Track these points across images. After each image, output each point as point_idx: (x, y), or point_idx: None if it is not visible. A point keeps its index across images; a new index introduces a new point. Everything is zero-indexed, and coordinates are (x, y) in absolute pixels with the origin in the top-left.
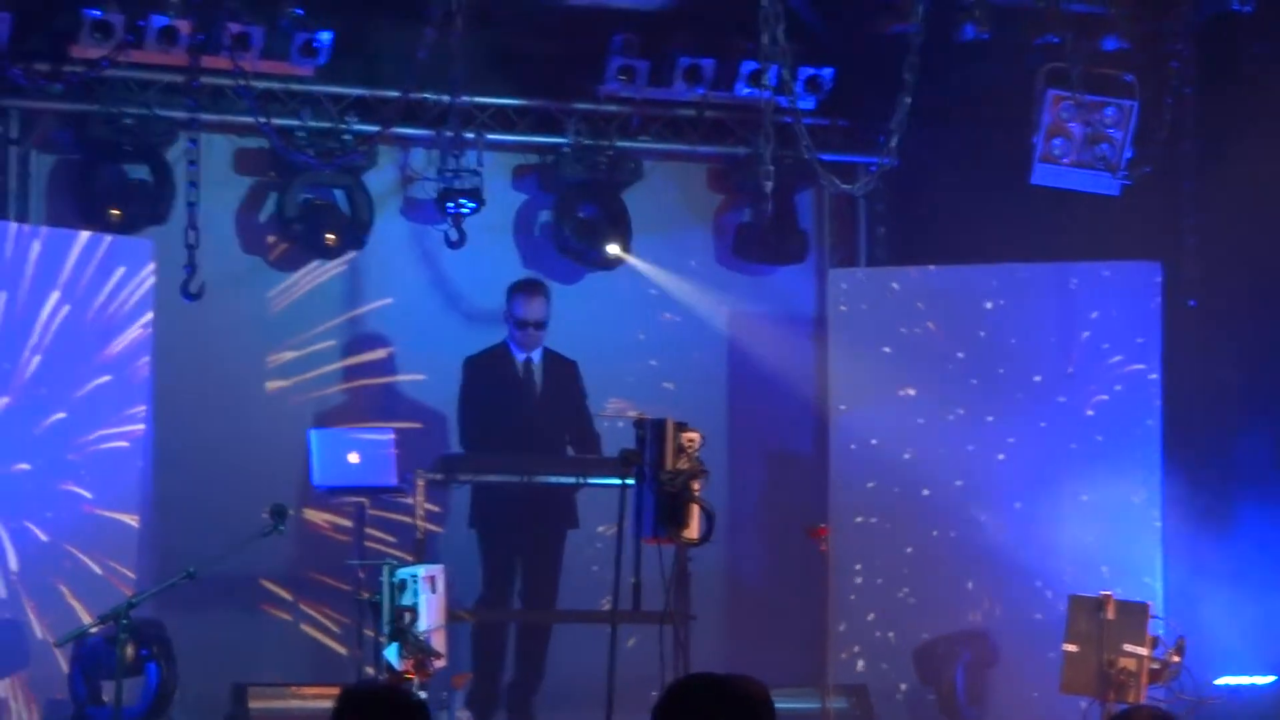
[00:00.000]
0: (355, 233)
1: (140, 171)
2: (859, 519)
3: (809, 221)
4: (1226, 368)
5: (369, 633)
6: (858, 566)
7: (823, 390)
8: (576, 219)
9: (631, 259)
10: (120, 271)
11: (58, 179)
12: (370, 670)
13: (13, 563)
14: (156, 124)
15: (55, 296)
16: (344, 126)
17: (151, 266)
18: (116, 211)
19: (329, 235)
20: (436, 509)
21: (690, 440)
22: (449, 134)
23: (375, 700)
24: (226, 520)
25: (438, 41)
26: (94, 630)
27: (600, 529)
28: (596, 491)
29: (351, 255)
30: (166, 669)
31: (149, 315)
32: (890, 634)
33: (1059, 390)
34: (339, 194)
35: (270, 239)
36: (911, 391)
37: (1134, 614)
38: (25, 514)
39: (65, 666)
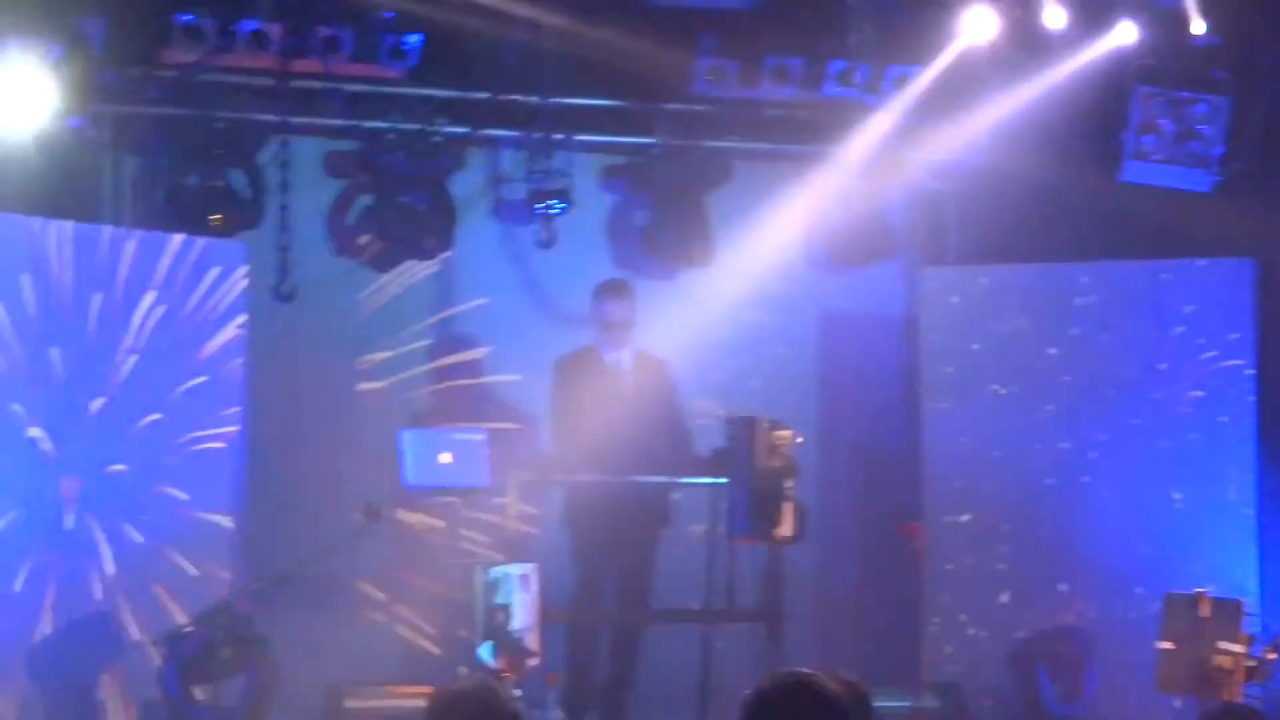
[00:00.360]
0: (441, 234)
1: (232, 175)
2: (951, 518)
3: (899, 220)
4: None
5: (463, 633)
6: (950, 565)
7: (913, 388)
8: (663, 219)
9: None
10: (214, 273)
11: (150, 183)
12: (464, 669)
13: (108, 564)
14: (248, 127)
15: (150, 298)
16: (433, 129)
17: (244, 269)
18: (217, 217)
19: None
20: (534, 510)
21: (782, 439)
22: (538, 135)
23: (467, 701)
24: (320, 521)
25: (526, 43)
26: (191, 629)
27: (693, 528)
28: (689, 491)
29: (444, 256)
30: (264, 669)
31: (242, 317)
32: (983, 633)
33: (1152, 387)
34: (424, 195)
35: (361, 240)
36: (1002, 389)
37: (1229, 611)
38: (121, 515)
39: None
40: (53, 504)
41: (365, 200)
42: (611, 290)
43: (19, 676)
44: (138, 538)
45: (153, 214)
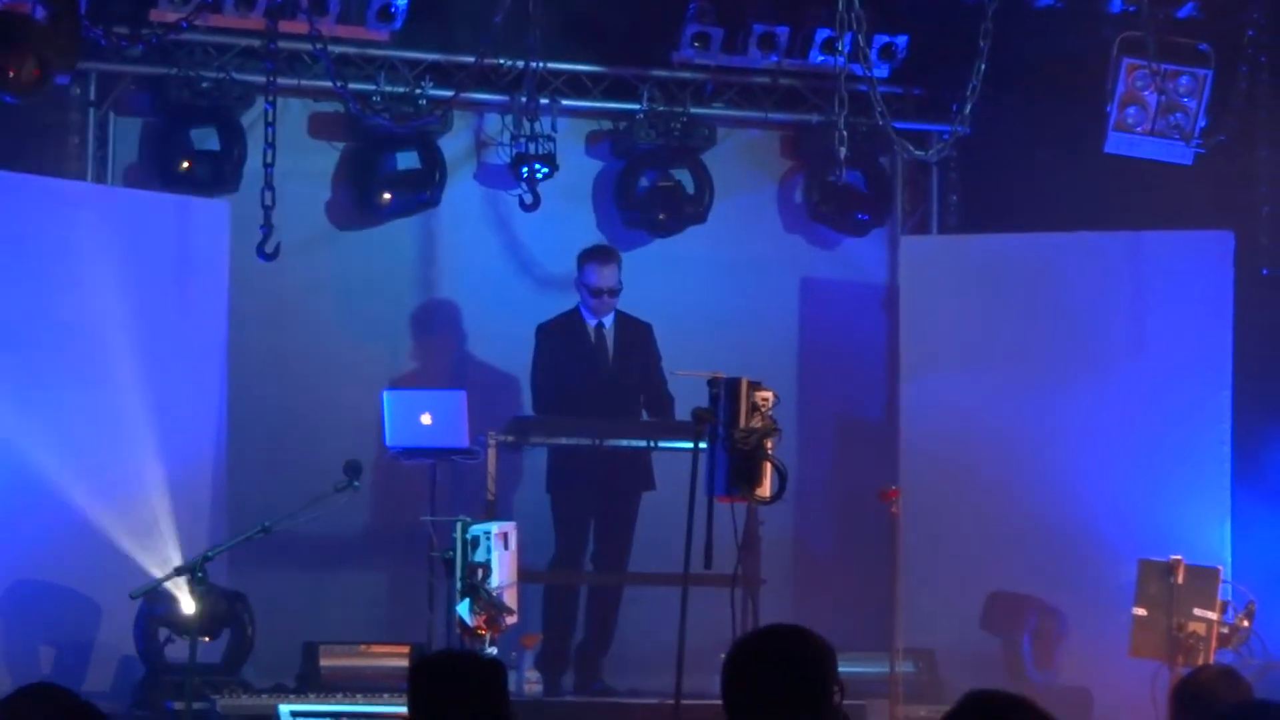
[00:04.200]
0: (430, 194)
1: (217, 135)
2: (928, 485)
3: (882, 189)
4: None
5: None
6: (926, 532)
7: (894, 357)
8: (648, 184)
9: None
10: (197, 232)
11: (135, 142)
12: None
13: (89, 519)
14: (233, 88)
15: (132, 256)
16: (419, 91)
17: (228, 228)
18: (189, 167)
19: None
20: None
21: (764, 399)
22: (524, 99)
23: (451, 664)
24: (301, 480)
25: (513, 7)
26: (168, 584)
27: (672, 491)
28: (675, 454)
29: (427, 217)
30: (242, 627)
31: (225, 276)
32: (958, 599)
33: (1130, 358)
34: (412, 156)
35: (346, 201)
36: (982, 358)
37: (1204, 578)
38: (99, 471)
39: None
40: (32, 463)
41: (351, 162)
42: (599, 256)
43: None
44: (116, 495)
45: (138, 173)
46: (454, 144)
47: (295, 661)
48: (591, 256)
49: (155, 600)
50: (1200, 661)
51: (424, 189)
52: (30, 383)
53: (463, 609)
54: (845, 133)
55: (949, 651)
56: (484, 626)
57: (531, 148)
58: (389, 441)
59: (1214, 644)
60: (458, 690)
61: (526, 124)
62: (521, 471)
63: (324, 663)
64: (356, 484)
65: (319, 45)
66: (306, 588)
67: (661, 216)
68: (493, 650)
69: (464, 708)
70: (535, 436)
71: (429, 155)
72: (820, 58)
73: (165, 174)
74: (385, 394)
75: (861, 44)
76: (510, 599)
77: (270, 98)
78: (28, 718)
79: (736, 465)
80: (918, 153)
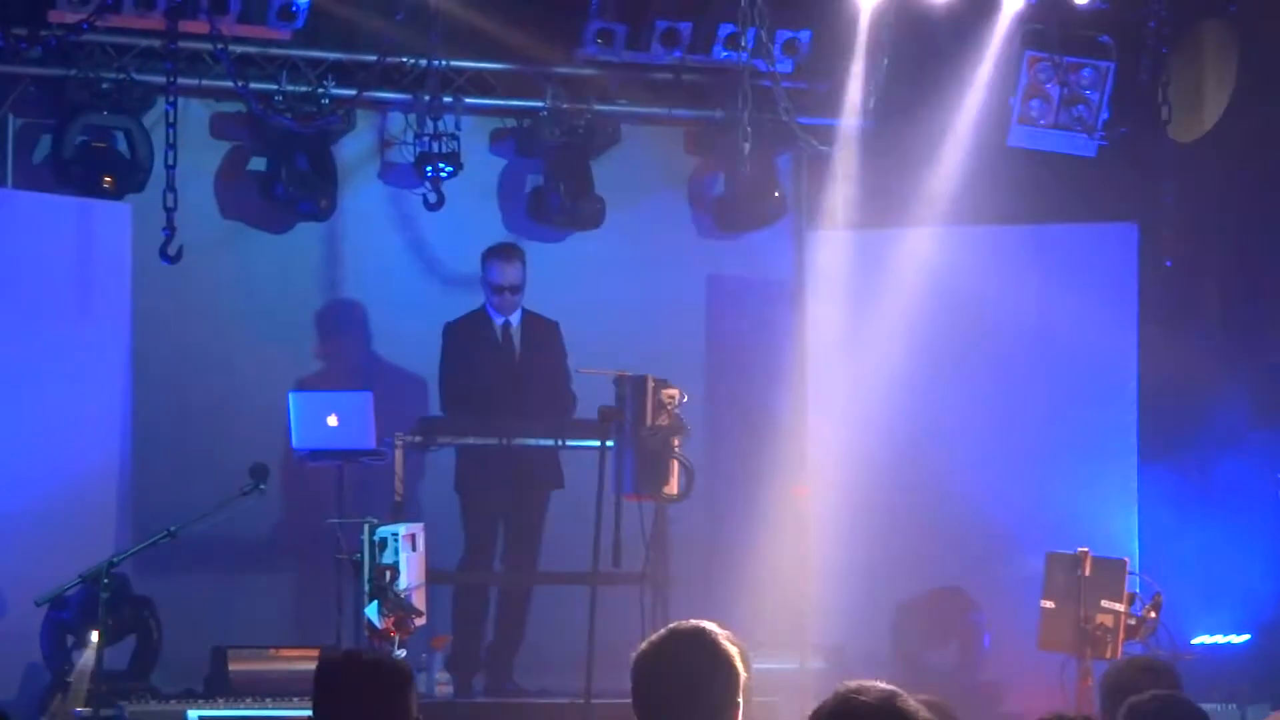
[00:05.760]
0: (326, 196)
1: (118, 137)
2: (837, 481)
3: (786, 184)
4: (1202, 327)
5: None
6: (836, 528)
7: (800, 352)
8: (552, 182)
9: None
10: (99, 235)
11: (34, 144)
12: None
13: None
14: (134, 88)
15: (33, 260)
16: (322, 90)
17: (130, 230)
18: (108, 180)
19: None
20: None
21: (670, 397)
22: (427, 98)
23: (356, 666)
24: (206, 484)
25: (415, 5)
26: (72, 591)
27: (580, 489)
28: (585, 453)
29: (329, 219)
30: (148, 632)
31: (128, 278)
32: (868, 594)
33: (1036, 351)
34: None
35: (249, 202)
36: (888, 353)
37: (1111, 570)
38: (2, 476)
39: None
40: None
41: (252, 162)
42: (501, 254)
43: None
44: (18, 501)
45: (37, 175)
46: (357, 143)
47: (204, 666)
48: (494, 254)
49: (60, 606)
50: (1109, 654)
51: (318, 196)
52: None
53: (371, 611)
54: (749, 128)
55: (860, 648)
56: (393, 628)
57: (435, 146)
58: (295, 443)
59: (1122, 635)
60: (361, 692)
61: (430, 123)
62: (426, 469)
63: (232, 667)
64: (263, 487)
65: (219, 45)
66: (214, 591)
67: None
68: (402, 652)
69: (367, 710)
70: (443, 437)
71: (322, 162)
72: (724, 53)
73: (65, 176)
74: (291, 395)
75: (764, 39)
76: (419, 600)
77: (171, 98)
78: None
79: (643, 463)
80: (822, 147)
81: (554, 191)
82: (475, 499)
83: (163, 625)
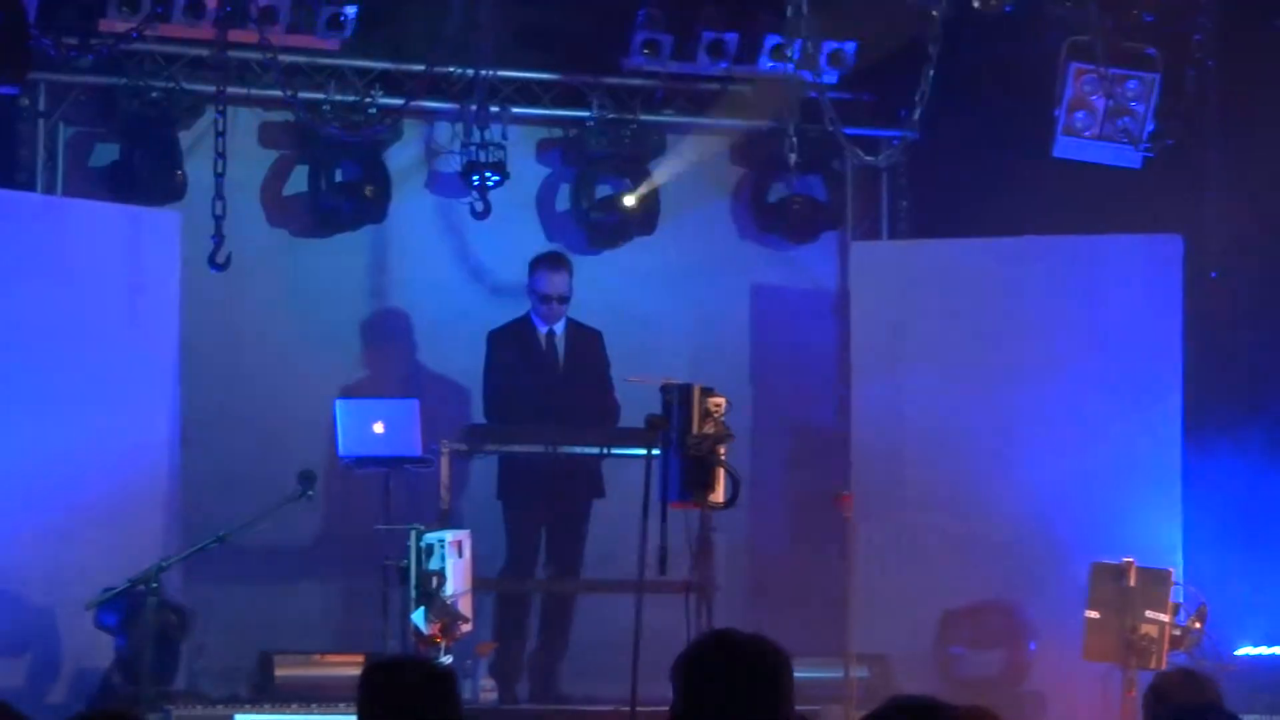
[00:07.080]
0: (376, 206)
1: (167, 146)
2: (880, 490)
3: (832, 195)
4: (1248, 339)
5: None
6: (879, 537)
7: (845, 363)
8: (596, 192)
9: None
10: (148, 243)
11: (84, 152)
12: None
13: (43, 531)
14: (183, 98)
15: (83, 268)
16: (369, 100)
17: (179, 238)
18: (139, 177)
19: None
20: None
21: (716, 405)
22: (474, 107)
23: (402, 672)
24: (254, 491)
25: (463, 15)
26: (121, 595)
27: (625, 498)
28: (626, 462)
29: (378, 226)
30: (195, 637)
31: (176, 287)
32: (912, 603)
33: (1081, 361)
34: (358, 167)
35: (297, 211)
36: (934, 364)
37: (1156, 581)
38: (51, 483)
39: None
40: None
41: (300, 171)
42: (550, 263)
43: None
44: (68, 507)
45: (87, 183)
46: (404, 153)
47: (250, 671)
48: (542, 263)
49: (107, 610)
50: (1154, 664)
51: (369, 205)
52: None
53: (418, 617)
54: (795, 139)
55: (902, 656)
56: (439, 635)
57: (482, 155)
58: (342, 451)
59: (1166, 646)
60: (405, 698)
61: (477, 132)
62: (470, 478)
63: (279, 672)
64: (310, 493)
65: (268, 55)
66: (261, 597)
67: (615, 225)
68: (448, 658)
69: (412, 716)
70: (488, 444)
71: (374, 171)
72: (770, 64)
73: (116, 185)
74: (338, 403)
75: (810, 50)
76: (465, 607)
77: (220, 107)
78: None
79: (690, 471)
80: (867, 158)
81: (599, 201)
82: (518, 507)
83: (209, 631)
